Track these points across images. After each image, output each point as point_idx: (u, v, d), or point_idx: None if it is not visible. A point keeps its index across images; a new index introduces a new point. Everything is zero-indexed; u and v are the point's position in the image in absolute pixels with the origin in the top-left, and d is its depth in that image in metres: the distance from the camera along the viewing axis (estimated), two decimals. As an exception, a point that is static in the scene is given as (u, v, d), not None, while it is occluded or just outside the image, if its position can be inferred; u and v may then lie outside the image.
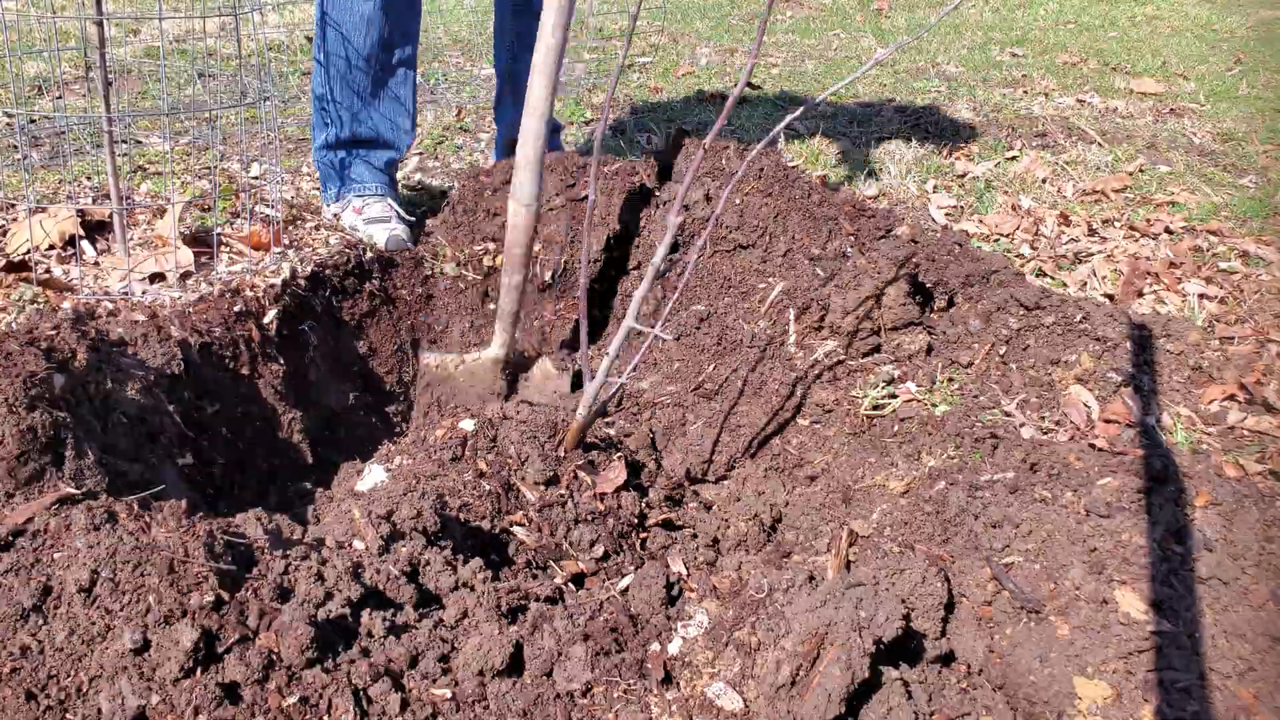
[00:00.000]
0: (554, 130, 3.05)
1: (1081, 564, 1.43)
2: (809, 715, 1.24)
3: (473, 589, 1.41)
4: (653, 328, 1.67)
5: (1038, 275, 2.47)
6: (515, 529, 1.69)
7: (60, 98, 3.48)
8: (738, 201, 2.40)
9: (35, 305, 2.07)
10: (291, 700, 1.16)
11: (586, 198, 2.54)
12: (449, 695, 1.26)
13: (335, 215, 2.60)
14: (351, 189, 2.59)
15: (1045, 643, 1.36)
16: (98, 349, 1.73)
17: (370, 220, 2.51)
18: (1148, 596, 1.36)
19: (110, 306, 2.05)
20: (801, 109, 1.57)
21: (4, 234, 2.40)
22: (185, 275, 2.26)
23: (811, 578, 1.45)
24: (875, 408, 2.04)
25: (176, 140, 3.10)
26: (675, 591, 1.62)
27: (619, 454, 1.92)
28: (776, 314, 2.27)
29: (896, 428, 1.97)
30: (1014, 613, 1.43)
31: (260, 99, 2.82)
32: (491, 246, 2.55)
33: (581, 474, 1.81)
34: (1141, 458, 1.59)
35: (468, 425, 1.85)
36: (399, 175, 2.84)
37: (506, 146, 2.95)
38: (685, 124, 3.64)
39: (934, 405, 1.97)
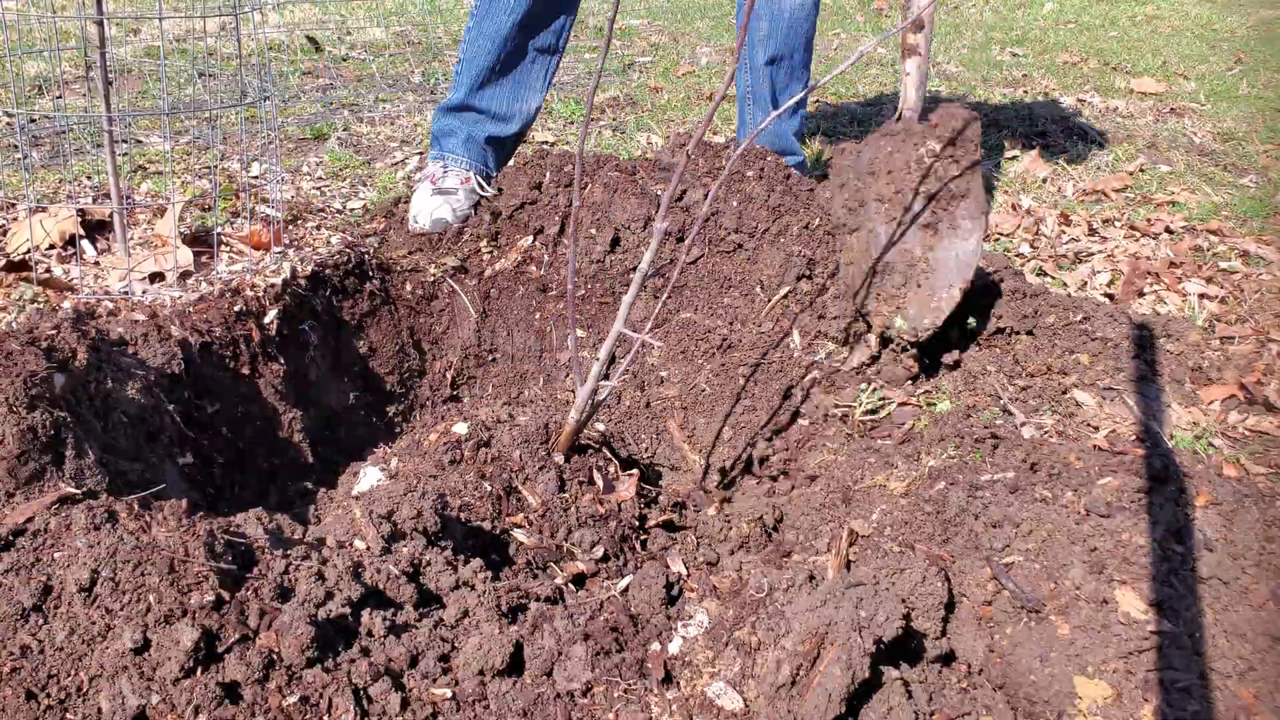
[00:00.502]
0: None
1: (1082, 564, 1.43)
2: (810, 715, 1.23)
3: (473, 588, 1.41)
4: (648, 332, 1.67)
5: (1038, 274, 2.47)
6: (516, 531, 1.69)
7: (60, 97, 3.48)
8: (735, 204, 2.40)
9: (35, 305, 2.07)
10: (292, 700, 1.16)
11: (586, 196, 2.54)
12: (449, 695, 1.26)
13: (415, 181, 2.62)
14: (440, 155, 2.62)
15: (1045, 642, 1.36)
16: (98, 349, 1.73)
17: (437, 192, 2.53)
18: (1148, 596, 1.36)
19: (110, 306, 2.05)
20: (804, 91, 1.57)
21: (4, 234, 2.40)
22: (185, 275, 2.26)
23: (812, 577, 1.45)
24: (875, 408, 2.04)
25: (177, 140, 3.10)
26: (675, 591, 1.62)
27: (631, 471, 1.91)
28: (778, 316, 2.27)
29: (896, 428, 1.97)
30: (1014, 612, 1.43)
31: (260, 99, 2.82)
32: (488, 244, 2.55)
33: (585, 481, 1.81)
34: (1141, 457, 1.59)
35: (461, 429, 1.85)
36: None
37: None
38: (686, 124, 3.64)
39: (933, 405, 1.97)
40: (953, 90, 4.17)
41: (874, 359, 2.11)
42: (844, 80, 4.33)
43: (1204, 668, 1.28)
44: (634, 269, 2.47)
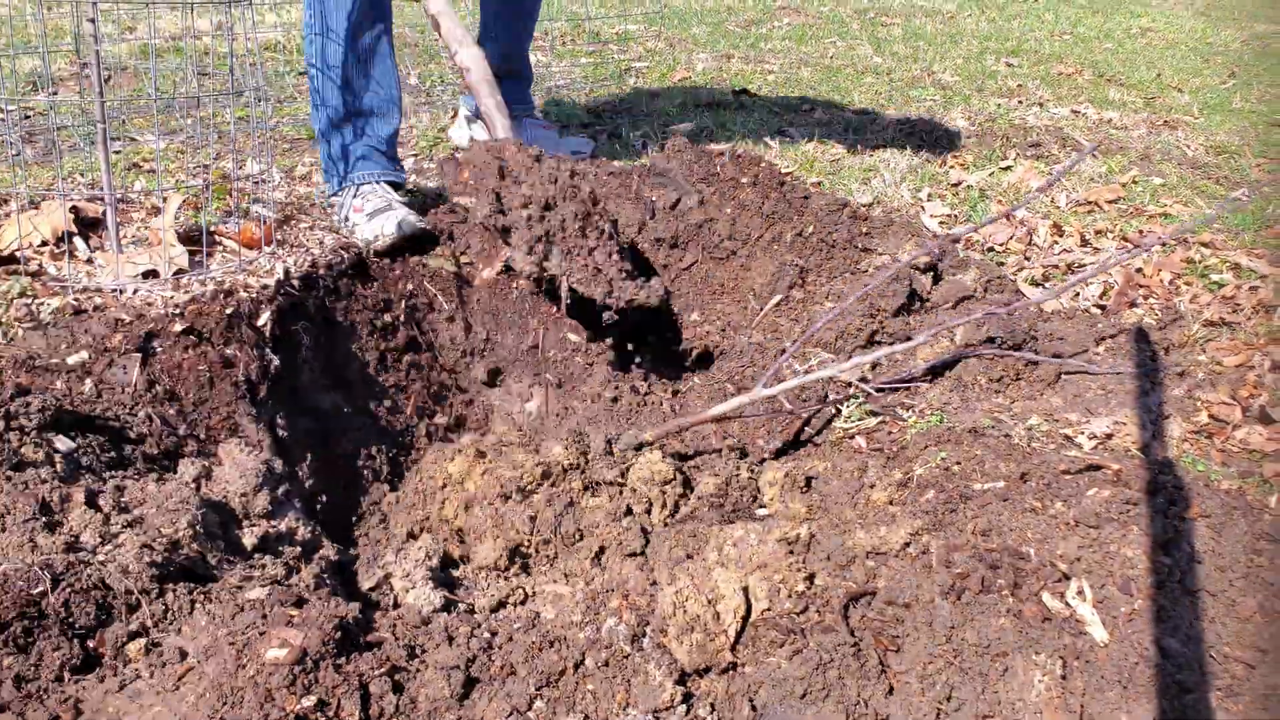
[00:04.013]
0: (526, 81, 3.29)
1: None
2: None
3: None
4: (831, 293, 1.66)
5: (1031, 285, 2.48)
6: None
7: (55, 93, 3.47)
8: (729, 211, 2.40)
9: (25, 299, 2.06)
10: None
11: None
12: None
13: (347, 220, 2.55)
14: (351, 181, 2.56)
15: (1033, 653, 1.36)
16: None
17: (373, 214, 2.48)
18: (1137, 610, 1.36)
19: (100, 303, 2.04)
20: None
21: (-4, 230, 2.39)
22: (179, 273, 2.25)
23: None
24: (865, 416, 2.04)
25: (170, 138, 3.09)
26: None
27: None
28: (771, 324, 2.27)
29: (886, 436, 1.97)
30: (1003, 622, 1.42)
31: (255, 97, 2.82)
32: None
33: None
34: (1131, 469, 1.59)
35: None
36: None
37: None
38: (681, 129, 3.64)
39: (924, 414, 1.97)
40: (947, 99, 4.18)
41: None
42: (839, 90, 4.34)
43: (1191, 680, 1.28)
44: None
